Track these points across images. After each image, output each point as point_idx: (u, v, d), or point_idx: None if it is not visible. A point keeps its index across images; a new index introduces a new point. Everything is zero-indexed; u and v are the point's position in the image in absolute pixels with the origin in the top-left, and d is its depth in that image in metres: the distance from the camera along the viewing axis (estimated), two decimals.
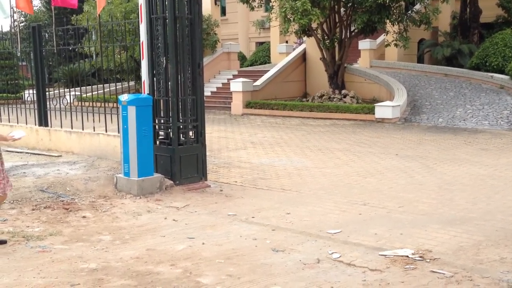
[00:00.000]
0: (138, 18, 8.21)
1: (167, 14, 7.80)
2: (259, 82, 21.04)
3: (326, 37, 19.38)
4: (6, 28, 12.20)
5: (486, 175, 8.89)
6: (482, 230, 5.83)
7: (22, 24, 35.21)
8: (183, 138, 8.04)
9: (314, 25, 19.13)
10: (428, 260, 4.91)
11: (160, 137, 8.21)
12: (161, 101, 8.04)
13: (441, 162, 10.10)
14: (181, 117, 8.02)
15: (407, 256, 5.00)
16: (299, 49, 23.39)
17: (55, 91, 12.58)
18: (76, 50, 11.36)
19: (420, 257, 4.99)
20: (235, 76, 23.40)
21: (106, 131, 9.28)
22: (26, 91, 11.93)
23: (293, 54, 23.07)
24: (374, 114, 16.81)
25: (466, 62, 22.46)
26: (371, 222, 6.21)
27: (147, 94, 7.97)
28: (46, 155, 9.87)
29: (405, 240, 5.52)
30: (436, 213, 6.62)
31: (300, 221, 6.31)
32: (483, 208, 6.81)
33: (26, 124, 10.96)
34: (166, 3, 7.79)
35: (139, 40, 8.20)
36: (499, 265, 4.79)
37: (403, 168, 9.57)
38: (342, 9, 19.26)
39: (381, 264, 4.83)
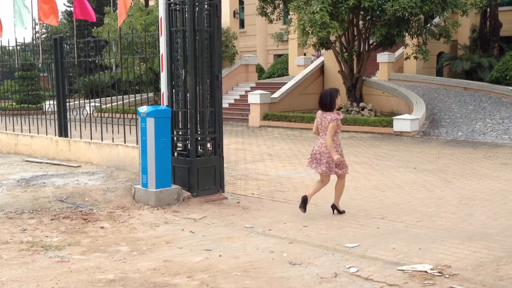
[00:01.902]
0: (158, 31, 8.30)
1: (186, 27, 7.87)
2: (276, 94, 21.07)
3: (344, 50, 19.37)
4: (28, 40, 12.42)
5: (507, 190, 8.78)
6: (502, 246, 5.75)
7: (44, 36, 35.78)
8: (201, 150, 8.08)
9: (332, 38, 19.14)
10: (447, 276, 4.85)
11: (178, 148, 8.25)
12: (180, 113, 8.10)
13: (460, 176, 10.00)
14: (199, 129, 8.05)
15: (426, 272, 4.94)
16: (317, 61, 23.40)
17: (75, 102, 12.72)
18: (97, 61, 11.50)
19: (439, 272, 4.93)
20: (253, 88, 23.47)
21: (125, 142, 9.35)
22: (47, 102, 12.07)
23: (311, 67, 23.08)
24: (392, 127, 16.73)
25: (486, 76, 22.28)
26: (389, 236, 6.16)
27: (166, 106, 8.02)
28: (65, 165, 9.97)
29: (423, 255, 5.46)
30: (455, 228, 6.54)
31: (317, 234, 6.28)
32: (503, 224, 6.72)
33: (46, 134, 11.09)
34: (186, 16, 7.87)
35: (159, 52, 8.28)
36: None
37: (422, 182, 9.49)
38: (360, 22, 19.26)
39: (399, 279, 4.78)
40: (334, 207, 7.31)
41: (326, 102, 7.10)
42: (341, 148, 7.17)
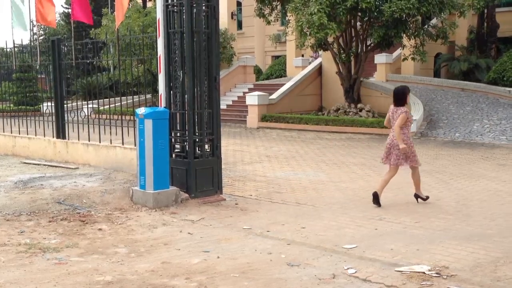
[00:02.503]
0: (156, 32, 8.30)
1: (184, 29, 7.87)
2: (274, 95, 21.08)
3: (342, 51, 19.39)
4: (25, 42, 12.39)
5: (504, 191, 8.79)
6: (500, 247, 5.76)
7: (41, 37, 35.75)
8: (199, 151, 8.08)
9: (330, 39, 19.16)
10: (445, 277, 4.85)
11: (176, 150, 8.25)
12: (178, 114, 8.09)
13: (458, 177, 10.01)
14: (197, 130, 8.05)
15: (424, 273, 4.95)
16: (315, 63, 23.42)
17: (73, 104, 12.71)
18: (94, 63, 11.49)
19: (437, 273, 4.94)
20: (251, 90, 23.48)
21: (122, 143, 9.35)
22: (45, 104, 12.06)
23: (309, 68, 23.09)
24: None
25: (483, 77, 22.32)
26: (387, 237, 6.16)
27: (164, 107, 8.02)
28: (63, 167, 9.96)
29: (421, 256, 5.47)
30: (453, 228, 6.55)
31: (316, 235, 6.28)
32: (501, 224, 6.73)
33: (44, 136, 11.08)
34: (184, 17, 7.87)
35: (157, 54, 8.28)
36: None
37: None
38: (358, 23, 19.28)
39: (397, 280, 4.79)
40: (416, 196, 7.96)
41: (399, 97, 7.79)
42: (410, 141, 7.79)
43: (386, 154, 7.86)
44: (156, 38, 8.27)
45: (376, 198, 7.71)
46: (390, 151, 7.79)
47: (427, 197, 7.98)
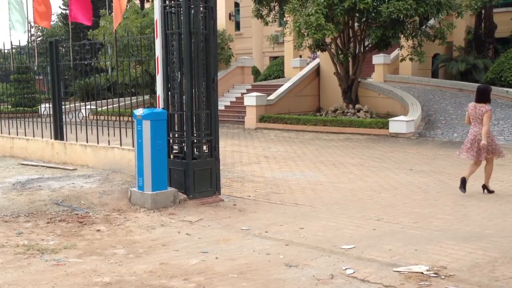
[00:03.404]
0: (154, 33, 8.30)
1: (182, 30, 7.87)
2: (272, 96, 21.09)
3: (340, 52, 19.40)
4: (23, 43, 12.41)
5: (502, 191, 8.81)
6: (498, 247, 5.76)
7: (39, 38, 35.71)
8: (197, 152, 8.07)
9: (328, 40, 19.18)
10: (443, 277, 4.86)
11: (174, 151, 8.24)
12: (176, 115, 8.09)
13: (456, 177, 9.99)
14: (195, 131, 8.05)
15: (422, 273, 4.95)
16: (313, 63, 23.43)
17: (70, 105, 12.70)
18: (92, 64, 11.49)
19: (435, 273, 4.94)
20: (249, 90, 23.48)
21: (121, 145, 9.35)
22: (42, 105, 12.06)
23: (307, 69, 23.11)
24: (388, 128, 16.76)
25: (481, 77, 22.33)
26: (385, 238, 6.17)
27: (162, 108, 8.02)
28: (61, 168, 9.96)
29: (419, 256, 5.47)
30: (451, 229, 6.56)
31: (314, 236, 6.29)
32: (499, 224, 6.74)
33: (42, 137, 11.07)
34: (182, 18, 7.87)
35: (154, 55, 8.28)
36: None
37: (418, 183, 9.51)
38: (356, 24, 19.30)
39: (395, 280, 4.79)
40: (484, 187, 8.54)
41: (483, 94, 8.37)
42: (492, 135, 8.52)
43: (468, 148, 8.47)
44: (154, 39, 8.27)
45: (463, 183, 8.34)
46: (473, 146, 8.40)
47: (493, 191, 8.51)
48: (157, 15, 8.05)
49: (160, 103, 8.13)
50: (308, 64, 24.62)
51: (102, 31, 22.36)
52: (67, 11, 17.78)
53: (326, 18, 16.48)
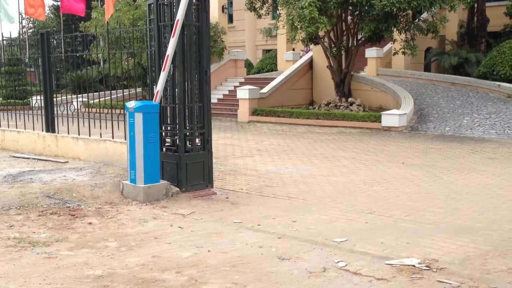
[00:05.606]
0: (146, 25, 8.24)
1: (174, 22, 7.81)
2: (265, 89, 21.07)
3: (333, 45, 19.40)
4: (14, 35, 12.30)
5: (493, 184, 8.85)
6: (489, 240, 5.80)
7: (31, 30, 35.47)
8: (190, 145, 8.05)
9: (321, 33, 19.16)
10: (435, 270, 4.88)
11: (167, 144, 8.21)
12: (168, 108, 8.05)
13: (448, 171, 10.06)
14: (187, 124, 8.03)
15: (414, 266, 4.97)
16: (306, 57, 23.43)
17: (62, 98, 12.63)
18: (84, 56, 11.42)
19: (427, 266, 4.96)
20: (241, 84, 23.46)
21: (113, 137, 9.30)
22: (34, 97, 11.98)
23: (300, 62, 23.10)
24: (380, 122, 16.80)
25: (473, 71, 22.42)
26: (377, 231, 6.19)
27: (158, 102, 7.95)
28: (53, 161, 9.91)
29: (411, 249, 5.49)
30: (442, 222, 6.59)
31: (306, 229, 6.29)
32: (490, 218, 6.77)
33: (33, 130, 11.01)
34: (174, 10, 7.82)
35: (147, 48, 8.22)
36: (506, 276, 4.76)
37: (410, 177, 9.54)
38: (349, 18, 19.29)
39: (387, 273, 4.81)
40: None
41: None
42: None
43: None
44: (147, 31, 8.21)
45: None
46: None
47: None
48: (179, 15, 7.56)
49: (158, 99, 8.01)
50: (301, 57, 24.62)
51: (94, 23, 22.24)
52: (59, 3, 17.63)
53: (319, 11, 16.46)
